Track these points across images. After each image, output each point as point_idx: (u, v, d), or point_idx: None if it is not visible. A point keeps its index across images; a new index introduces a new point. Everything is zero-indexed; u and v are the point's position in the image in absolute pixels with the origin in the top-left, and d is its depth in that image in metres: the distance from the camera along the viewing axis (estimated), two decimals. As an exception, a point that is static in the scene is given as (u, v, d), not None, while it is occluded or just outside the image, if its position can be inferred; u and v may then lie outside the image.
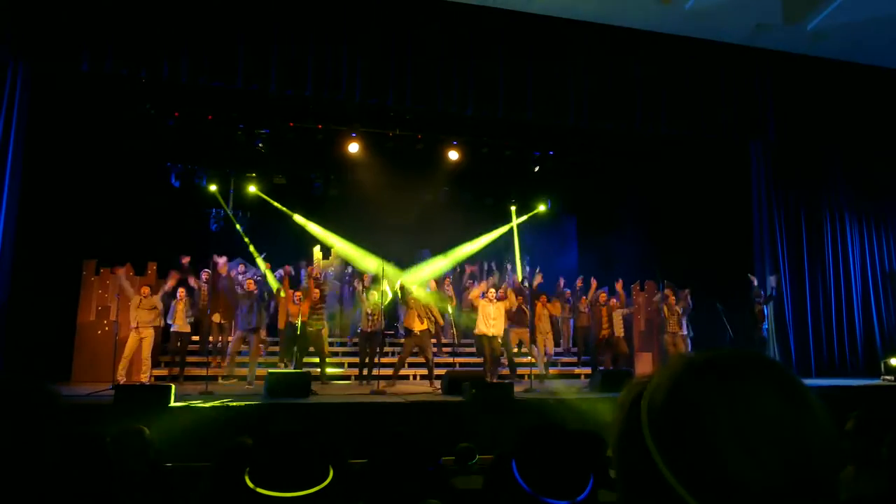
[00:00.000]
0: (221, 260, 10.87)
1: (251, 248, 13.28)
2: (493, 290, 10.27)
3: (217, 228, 14.35)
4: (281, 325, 10.53)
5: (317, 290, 10.19)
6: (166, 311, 9.82)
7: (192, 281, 10.50)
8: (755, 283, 11.11)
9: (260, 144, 12.99)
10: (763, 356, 0.77)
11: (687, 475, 0.70)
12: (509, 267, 14.74)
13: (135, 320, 9.29)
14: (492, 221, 16.37)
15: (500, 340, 10.01)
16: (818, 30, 10.86)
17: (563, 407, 8.15)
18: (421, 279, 11.90)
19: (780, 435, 0.68)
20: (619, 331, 10.93)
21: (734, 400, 0.70)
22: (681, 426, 0.71)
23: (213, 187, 13.85)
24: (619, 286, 11.69)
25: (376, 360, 10.16)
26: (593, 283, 12.07)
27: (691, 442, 0.70)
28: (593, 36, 10.89)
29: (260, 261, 12.57)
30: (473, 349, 12.62)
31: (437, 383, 9.42)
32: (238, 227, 13.88)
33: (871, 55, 11.77)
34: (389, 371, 10.03)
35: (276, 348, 11.02)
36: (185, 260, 10.75)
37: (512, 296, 10.44)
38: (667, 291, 10.95)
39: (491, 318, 9.84)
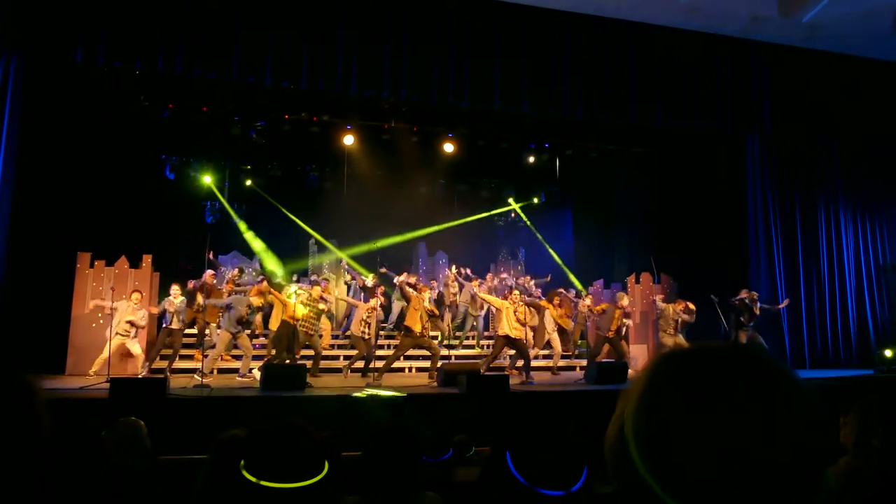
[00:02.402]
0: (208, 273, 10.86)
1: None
2: (516, 291, 10.23)
3: (213, 221, 14.33)
4: (273, 326, 10.45)
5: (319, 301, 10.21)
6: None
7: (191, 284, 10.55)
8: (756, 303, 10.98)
9: (254, 136, 12.94)
10: (747, 348, 0.75)
11: (658, 470, 0.70)
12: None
13: (116, 329, 9.30)
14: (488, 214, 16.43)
15: (523, 342, 9.91)
16: (813, 22, 10.86)
17: (559, 399, 8.18)
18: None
19: (745, 430, 0.66)
20: (621, 331, 11.00)
21: (700, 394, 0.69)
22: (651, 421, 0.72)
23: (206, 179, 13.83)
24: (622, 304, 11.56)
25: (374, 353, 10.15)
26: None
27: (659, 437, 0.70)
28: (589, 28, 10.88)
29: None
30: (468, 342, 12.70)
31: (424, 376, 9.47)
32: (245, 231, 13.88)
33: (866, 47, 11.78)
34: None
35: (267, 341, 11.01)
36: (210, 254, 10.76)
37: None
38: (657, 296, 11.00)
39: (514, 321, 9.74)
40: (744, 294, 10.79)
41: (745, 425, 0.66)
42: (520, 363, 10.05)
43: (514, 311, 9.70)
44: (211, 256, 10.88)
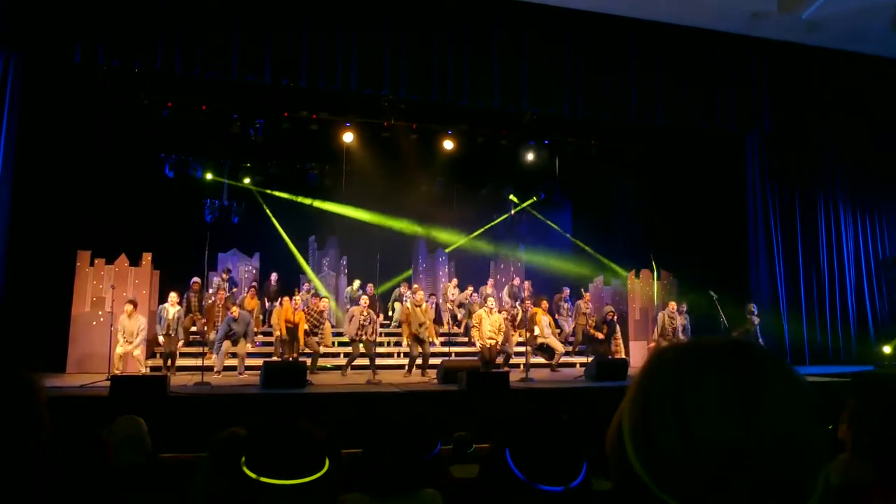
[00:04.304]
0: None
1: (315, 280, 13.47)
2: (491, 298, 10.40)
3: (212, 219, 14.32)
4: (277, 331, 10.44)
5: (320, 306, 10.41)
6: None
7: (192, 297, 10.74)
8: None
9: (253, 134, 12.93)
10: (742, 343, 0.75)
11: (652, 466, 0.70)
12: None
13: (120, 335, 9.34)
14: (487, 211, 16.41)
15: (498, 347, 10.08)
16: (813, 19, 10.85)
17: (559, 395, 8.19)
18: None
19: (739, 426, 0.66)
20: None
21: (692, 390, 0.69)
22: (645, 417, 0.72)
23: (209, 176, 13.89)
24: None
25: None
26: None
27: (653, 432, 0.70)
28: (588, 25, 10.86)
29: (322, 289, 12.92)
30: (467, 339, 12.72)
31: (431, 373, 9.49)
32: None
33: (865, 44, 11.76)
34: (384, 362, 10.18)
35: (270, 338, 11.04)
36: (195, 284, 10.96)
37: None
38: (670, 304, 11.01)
39: (487, 329, 9.91)
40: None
41: (738, 421, 0.66)
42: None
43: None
44: None
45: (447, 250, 15.72)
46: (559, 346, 11.01)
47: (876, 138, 12.58)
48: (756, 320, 10.89)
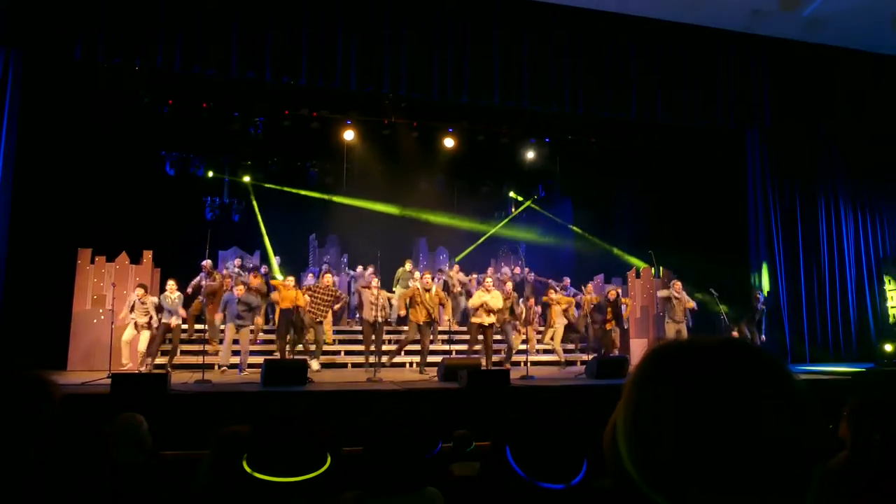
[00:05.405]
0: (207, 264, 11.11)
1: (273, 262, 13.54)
2: (488, 279, 10.34)
3: (213, 217, 14.34)
4: (278, 313, 10.51)
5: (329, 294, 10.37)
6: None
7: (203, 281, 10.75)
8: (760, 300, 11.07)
9: (253, 131, 12.94)
10: (736, 343, 0.74)
11: (642, 465, 0.70)
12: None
13: (137, 314, 9.38)
14: (488, 209, 16.41)
15: (493, 329, 10.07)
16: (814, 16, 10.85)
17: (560, 393, 8.19)
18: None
19: (730, 426, 0.65)
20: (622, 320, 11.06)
21: (683, 389, 0.69)
22: (636, 415, 0.72)
23: (210, 173, 13.91)
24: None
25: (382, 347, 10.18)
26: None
27: (643, 431, 0.70)
28: (589, 23, 10.85)
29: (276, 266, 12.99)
30: (469, 337, 12.71)
31: (429, 371, 9.49)
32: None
33: (866, 42, 11.76)
34: (385, 359, 10.19)
35: (271, 336, 11.06)
36: (207, 264, 10.99)
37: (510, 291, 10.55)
38: (675, 282, 10.90)
39: (487, 308, 9.91)
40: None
41: (732, 422, 0.66)
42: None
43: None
44: None
45: (455, 260, 15.74)
46: (559, 348, 11.03)
47: (877, 134, 12.56)
48: (759, 295, 10.82)
